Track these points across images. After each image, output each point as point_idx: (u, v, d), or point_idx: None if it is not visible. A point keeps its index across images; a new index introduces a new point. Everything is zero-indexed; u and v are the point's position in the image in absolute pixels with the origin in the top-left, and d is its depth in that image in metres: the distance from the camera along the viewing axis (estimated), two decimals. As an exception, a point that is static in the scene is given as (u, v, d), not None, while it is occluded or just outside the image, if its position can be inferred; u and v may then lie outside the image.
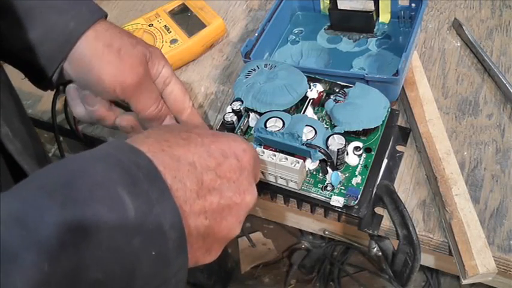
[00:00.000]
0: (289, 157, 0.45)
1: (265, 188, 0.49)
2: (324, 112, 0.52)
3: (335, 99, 0.51)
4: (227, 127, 0.51)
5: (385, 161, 0.51)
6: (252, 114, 0.52)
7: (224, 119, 0.51)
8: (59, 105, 0.57)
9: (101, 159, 0.30)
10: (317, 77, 0.54)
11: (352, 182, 0.47)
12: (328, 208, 0.47)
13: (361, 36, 0.63)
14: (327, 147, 0.46)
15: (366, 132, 0.50)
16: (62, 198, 0.26)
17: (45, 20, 0.44)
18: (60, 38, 0.44)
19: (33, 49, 0.44)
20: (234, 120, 0.51)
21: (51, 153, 0.87)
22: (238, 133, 0.51)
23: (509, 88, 0.57)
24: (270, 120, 0.48)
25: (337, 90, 0.52)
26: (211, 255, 0.35)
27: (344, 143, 0.46)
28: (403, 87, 0.56)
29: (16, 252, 0.23)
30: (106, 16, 0.48)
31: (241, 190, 0.35)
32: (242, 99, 0.51)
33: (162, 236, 0.29)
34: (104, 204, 0.27)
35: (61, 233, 0.25)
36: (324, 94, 0.54)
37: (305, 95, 0.52)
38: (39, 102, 0.63)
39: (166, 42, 0.63)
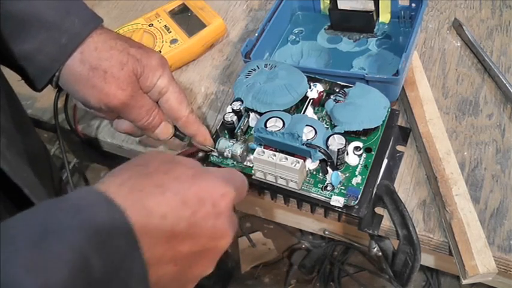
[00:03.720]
0: (289, 157, 0.45)
1: (265, 188, 0.49)
2: (324, 112, 0.52)
3: (335, 99, 0.51)
4: (227, 127, 0.51)
5: (385, 161, 0.51)
6: (252, 114, 0.52)
7: (224, 119, 0.50)
8: (59, 105, 0.57)
9: (73, 215, 0.29)
10: (317, 77, 0.54)
11: (352, 182, 0.47)
12: (328, 208, 0.47)
13: (361, 36, 0.63)
14: (327, 147, 0.46)
15: (366, 132, 0.50)
16: (30, 263, 0.26)
17: (37, 34, 0.43)
18: (52, 52, 0.44)
19: (26, 60, 0.44)
20: (234, 120, 0.51)
21: (51, 153, 0.87)
22: (239, 133, 0.51)
23: (509, 88, 0.57)
24: (270, 120, 0.48)
25: (337, 90, 0.52)
26: None
27: (344, 143, 0.46)
28: (403, 87, 0.56)
29: None
30: (101, 22, 0.47)
31: (216, 236, 0.34)
32: (242, 99, 0.51)
33: None
34: (69, 267, 0.26)
35: None
36: (324, 94, 0.54)
37: (305, 95, 0.52)
38: (39, 102, 0.63)
39: (166, 42, 0.63)
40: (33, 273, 0.25)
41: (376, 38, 0.62)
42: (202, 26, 0.65)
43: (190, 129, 0.50)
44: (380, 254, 0.52)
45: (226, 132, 0.52)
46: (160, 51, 0.62)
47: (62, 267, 0.26)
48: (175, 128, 0.51)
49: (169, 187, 0.33)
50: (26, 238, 0.27)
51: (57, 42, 0.44)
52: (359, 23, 0.63)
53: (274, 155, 0.46)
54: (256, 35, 0.59)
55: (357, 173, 0.48)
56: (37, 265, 0.26)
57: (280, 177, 0.47)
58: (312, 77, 0.54)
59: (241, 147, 0.48)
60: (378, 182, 0.49)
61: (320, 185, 0.47)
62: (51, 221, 0.28)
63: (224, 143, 0.49)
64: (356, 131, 0.48)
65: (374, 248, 0.53)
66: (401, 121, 0.56)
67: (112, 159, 0.62)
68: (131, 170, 0.33)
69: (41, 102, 0.63)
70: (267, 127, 0.47)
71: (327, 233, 0.62)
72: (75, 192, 0.30)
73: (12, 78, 0.46)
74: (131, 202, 0.31)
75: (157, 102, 0.49)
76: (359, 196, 0.46)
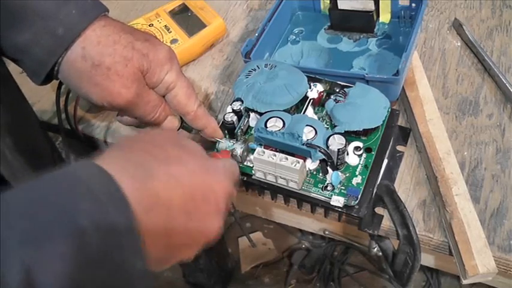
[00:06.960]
0: (289, 157, 0.45)
1: (265, 188, 0.49)
2: (324, 112, 0.52)
3: (335, 99, 0.51)
4: (227, 127, 0.51)
5: (386, 161, 0.51)
6: (252, 114, 0.52)
7: (224, 119, 0.50)
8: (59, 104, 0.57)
9: (70, 186, 0.29)
10: (317, 77, 0.54)
11: (353, 182, 0.47)
12: (328, 208, 0.47)
13: (362, 36, 0.63)
14: (327, 147, 0.46)
15: (366, 132, 0.50)
16: (22, 234, 0.25)
17: (31, 25, 0.41)
18: (48, 44, 0.42)
19: (22, 53, 0.42)
20: (234, 120, 0.50)
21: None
22: (239, 133, 0.51)
23: (509, 88, 0.57)
24: (270, 120, 0.48)
25: (337, 90, 0.52)
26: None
27: (344, 143, 0.46)
28: (403, 87, 0.56)
29: None
30: (104, 12, 0.44)
31: (210, 234, 0.36)
32: (242, 99, 0.51)
33: (126, 268, 0.28)
34: (65, 239, 0.26)
35: (21, 274, 0.24)
36: (324, 94, 0.54)
37: (305, 95, 0.52)
38: (39, 102, 0.63)
39: (166, 42, 0.63)
40: (26, 243, 0.25)
41: (376, 38, 0.62)
42: (202, 26, 0.65)
43: (199, 124, 0.49)
44: (380, 254, 0.52)
45: (226, 132, 0.52)
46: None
47: (57, 236, 0.26)
48: (182, 120, 0.50)
49: (181, 179, 0.33)
50: (20, 208, 0.27)
51: (54, 34, 0.41)
52: (359, 23, 0.63)
53: (275, 155, 0.46)
54: (256, 35, 0.59)
55: (357, 173, 0.48)
56: (30, 238, 0.26)
57: (281, 177, 0.47)
58: (312, 77, 0.54)
59: (241, 147, 0.48)
60: (378, 182, 0.49)
61: (320, 185, 0.47)
62: (43, 194, 0.28)
63: (224, 143, 0.49)
64: (356, 131, 0.48)
65: (374, 248, 0.54)
66: (401, 121, 0.56)
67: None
68: (140, 147, 0.34)
69: (41, 103, 0.62)
70: (267, 127, 0.47)
71: (327, 233, 0.62)
72: (72, 165, 0.31)
73: (15, 71, 0.45)
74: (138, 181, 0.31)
75: (163, 96, 0.47)
76: (359, 196, 0.46)
